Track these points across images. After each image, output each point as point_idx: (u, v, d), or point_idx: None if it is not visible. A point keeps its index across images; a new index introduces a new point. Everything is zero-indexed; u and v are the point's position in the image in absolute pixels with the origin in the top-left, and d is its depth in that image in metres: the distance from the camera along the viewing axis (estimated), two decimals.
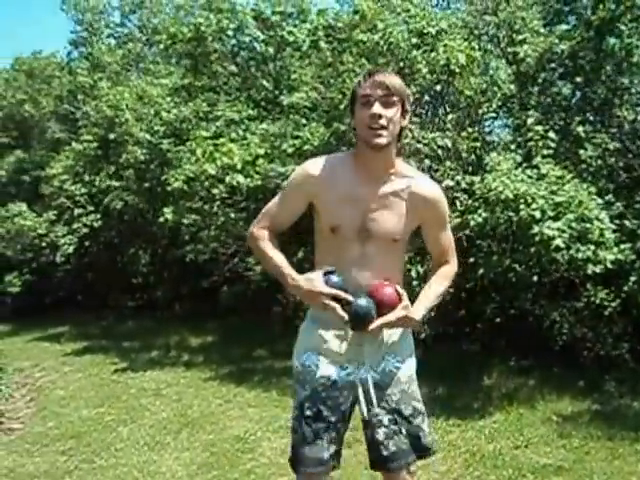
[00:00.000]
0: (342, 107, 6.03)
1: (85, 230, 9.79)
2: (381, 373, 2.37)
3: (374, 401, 2.32)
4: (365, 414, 2.31)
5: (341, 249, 2.30)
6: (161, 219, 7.32)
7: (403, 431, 2.36)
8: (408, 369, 2.43)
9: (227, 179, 6.76)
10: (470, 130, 5.68)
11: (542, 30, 6.18)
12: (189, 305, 10.21)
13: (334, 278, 2.23)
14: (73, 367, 7.82)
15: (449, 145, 5.66)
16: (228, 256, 8.71)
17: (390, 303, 2.24)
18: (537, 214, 4.91)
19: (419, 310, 2.30)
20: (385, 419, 2.35)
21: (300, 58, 8.24)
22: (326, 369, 2.35)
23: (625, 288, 5.28)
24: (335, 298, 2.19)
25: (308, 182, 2.32)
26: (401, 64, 6.10)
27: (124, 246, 10.95)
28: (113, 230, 10.65)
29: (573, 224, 4.90)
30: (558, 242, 4.82)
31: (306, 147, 6.27)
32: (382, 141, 2.18)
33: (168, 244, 10.03)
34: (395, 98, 2.19)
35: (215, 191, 7.03)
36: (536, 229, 4.90)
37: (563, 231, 4.85)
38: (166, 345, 8.60)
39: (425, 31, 5.96)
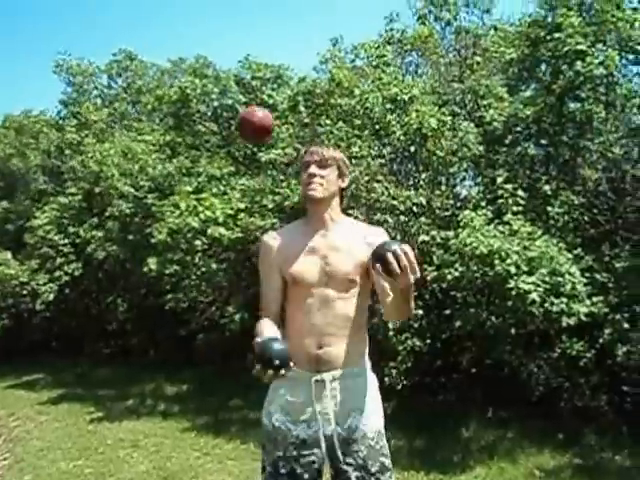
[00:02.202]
0: None
1: (66, 278, 9.27)
2: (347, 429, 2.28)
3: (340, 457, 2.26)
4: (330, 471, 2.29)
5: (304, 297, 2.30)
6: (145, 269, 6.87)
7: None
8: (375, 425, 2.34)
9: (209, 231, 6.44)
10: (443, 188, 5.42)
11: (505, 96, 6.00)
12: (164, 352, 9.62)
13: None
14: (49, 416, 7.21)
15: (424, 202, 5.40)
16: (206, 305, 8.27)
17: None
18: (512, 269, 4.65)
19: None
20: (353, 476, 2.26)
21: (277, 118, 8.02)
22: (295, 429, 2.30)
23: (600, 340, 4.97)
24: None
25: (271, 252, 2.37)
26: (376, 126, 5.88)
27: (102, 294, 10.40)
28: (92, 279, 10.10)
29: (546, 278, 4.64)
30: (534, 296, 4.56)
31: (286, 203, 5.95)
32: (315, 193, 2.29)
33: (146, 293, 9.50)
34: (329, 162, 2.33)
35: (197, 243, 6.65)
36: (512, 283, 4.62)
37: (538, 285, 4.60)
38: (141, 394, 8.01)
39: (399, 97, 5.75)
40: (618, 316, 5.01)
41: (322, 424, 2.25)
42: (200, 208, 6.58)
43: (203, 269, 6.91)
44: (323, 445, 2.25)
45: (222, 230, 6.50)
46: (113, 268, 9.60)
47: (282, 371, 1.92)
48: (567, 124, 5.44)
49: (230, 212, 6.66)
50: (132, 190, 8.11)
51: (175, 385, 8.30)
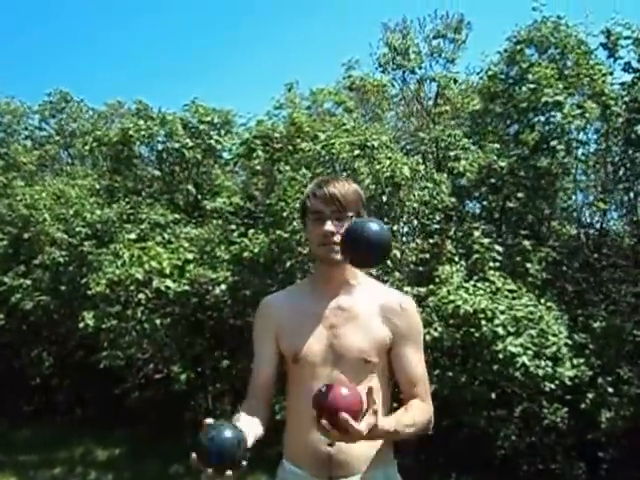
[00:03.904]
0: (285, 214, 5.11)
1: None
2: None
3: None
4: None
5: (307, 379, 1.70)
6: (81, 324, 5.93)
7: None
8: None
9: (154, 283, 5.64)
10: (419, 241, 4.87)
11: (472, 147, 5.59)
12: (93, 410, 8.50)
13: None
14: None
15: (398, 255, 4.81)
16: (143, 361, 7.34)
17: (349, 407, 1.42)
18: (500, 330, 4.11)
19: (389, 422, 1.53)
20: None
21: (225, 164, 7.40)
22: None
23: (582, 405, 4.47)
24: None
25: (266, 318, 1.82)
26: (344, 174, 5.30)
27: (26, 347, 9.18)
28: (15, 330, 8.91)
29: (535, 340, 4.13)
30: (524, 359, 4.02)
31: (245, 254, 5.25)
32: (337, 257, 1.70)
33: (76, 346, 8.43)
34: (349, 210, 1.71)
35: (141, 296, 5.81)
36: (500, 346, 4.07)
37: (528, 348, 4.07)
38: (70, 459, 6.85)
39: (368, 144, 5.22)
40: (600, 380, 4.56)
41: None
42: (145, 258, 5.78)
43: (146, 325, 6.04)
44: None
45: (169, 282, 5.73)
46: (40, 319, 8.50)
47: (228, 472, 1.35)
48: (542, 177, 5.04)
49: (177, 263, 5.91)
50: (66, 236, 7.17)
51: (107, 449, 7.22)
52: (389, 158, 4.99)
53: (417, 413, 1.68)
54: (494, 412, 5.01)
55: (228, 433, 1.38)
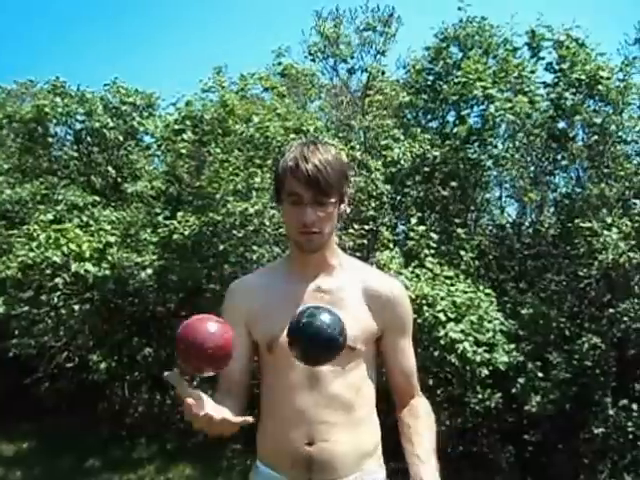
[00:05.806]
0: (218, 196, 4.63)
1: None
2: None
3: None
4: None
5: (284, 370, 1.42)
6: None
7: None
8: None
9: (73, 267, 4.99)
10: (356, 227, 4.54)
11: (402, 137, 5.32)
12: None
13: None
14: None
15: (336, 240, 4.45)
16: (57, 349, 6.58)
17: None
18: (441, 316, 3.87)
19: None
20: None
21: (147, 148, 6.79)
22: None
23: (513, 390, 4.31)
24: None
25: (237, 305, 1.52)
26: (279, 157, 4.88)
27: None
28: None
29: (475, 326, 3.92)
30: (465, 345, 3.80)
31: (175, 236, 4.72)
32: (315, 246, 1.45)
33: None
34: (331, 192, 1.40)
35: (58, 280, 5.14)
36: (442, 332, 3.83)
37: (468, 334, 3.85)
38: None
39: (303, 128, 4.84)
40: (530, 365, 4.43)
41: None
42: (63, 240, 5.12)
43: (63, 311, 5.36)
44: None
45: (89, 266, 5.10)
46: None
47: None
48: (473, 168, 4.87)
49: (98, 246, 5.29)
50: None
51: (14, 442, 6.37)
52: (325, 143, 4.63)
53: (427, 422, 1.54)
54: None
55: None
